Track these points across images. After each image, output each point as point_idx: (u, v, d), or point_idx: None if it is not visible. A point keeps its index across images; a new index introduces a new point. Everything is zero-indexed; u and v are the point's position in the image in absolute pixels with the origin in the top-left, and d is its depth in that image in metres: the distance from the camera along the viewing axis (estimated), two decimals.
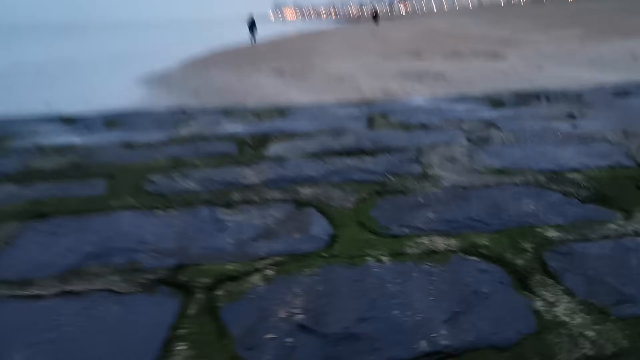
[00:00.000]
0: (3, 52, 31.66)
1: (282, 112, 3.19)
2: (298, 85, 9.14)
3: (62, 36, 73.00)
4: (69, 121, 3.12)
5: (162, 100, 7.95)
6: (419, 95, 3.62)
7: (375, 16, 46.96)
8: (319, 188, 1.79)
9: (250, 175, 1.94)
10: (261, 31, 34.55)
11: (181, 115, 3.21)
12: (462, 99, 3.38)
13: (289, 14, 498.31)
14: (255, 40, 30.75)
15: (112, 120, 3.09)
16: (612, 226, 1.41)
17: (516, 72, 9.29)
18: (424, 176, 1.86)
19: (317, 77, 10.13)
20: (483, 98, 3.43)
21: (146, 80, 11.13)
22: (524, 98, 3.35)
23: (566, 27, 24.52)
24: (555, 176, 1.83)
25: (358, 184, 1.82)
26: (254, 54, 18.82)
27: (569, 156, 2.04)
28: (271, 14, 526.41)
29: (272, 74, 11.15)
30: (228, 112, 3.28)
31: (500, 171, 1.90)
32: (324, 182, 1.85)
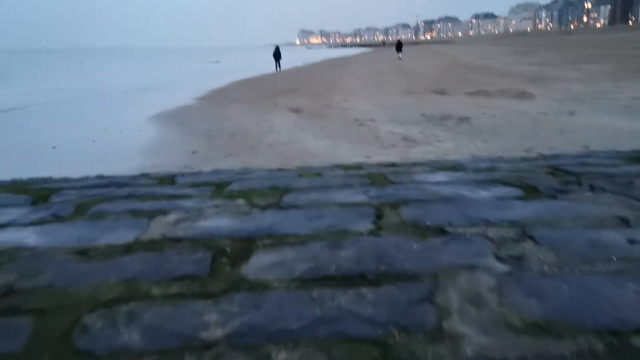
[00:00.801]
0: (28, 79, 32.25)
1: (280, 193, 2.78)
2: (315, 128, 8.76)
3: (95, 61, 74.24)
4: (43, 199, 2.76)
5: (169, 147, 7.63)
6: (440, 173, 3.19)
7: (398, 46, 46.55)
8: (298, 350, 1.35)
9: (214, 322, 1.50)
10: (286, 58, 34.99)
11: (167, 192, 2.83)
12: (488, 181, 2.92)
13: (315, 40, 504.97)
14: (279, 69, 32.09)
15: (84, 202, 2.71)
16: None
17: (546, 118, 8.79)
18: (440, 334, 1.41)
19: (336, 118, 9.75)
20: (514, 181, 2.98)
21: (160, 119, 10.89)
22: (562, 181, 2.88)
23: (596, 61, 23.93)
24: (617, 342, 1.36)
25: (350, 344, 1.37)
26: (274, 86, 18.62)
27: (631, 302, 1.57)
28: (297, 40, 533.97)
29: (290, 113, 10.83)
30: (219, 190, 2.88)
31: (542, 327, 1.44)
32: (307, 338, 1.41)
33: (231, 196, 2.78)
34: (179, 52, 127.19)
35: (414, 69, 27.30)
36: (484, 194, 2.68)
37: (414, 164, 4.40)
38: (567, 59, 28.37)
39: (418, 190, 2.80)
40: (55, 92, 18.53)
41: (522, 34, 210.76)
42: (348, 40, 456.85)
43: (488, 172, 3.15)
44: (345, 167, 4.13)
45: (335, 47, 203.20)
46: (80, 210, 2.55)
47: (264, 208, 2.53)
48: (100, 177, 3.55)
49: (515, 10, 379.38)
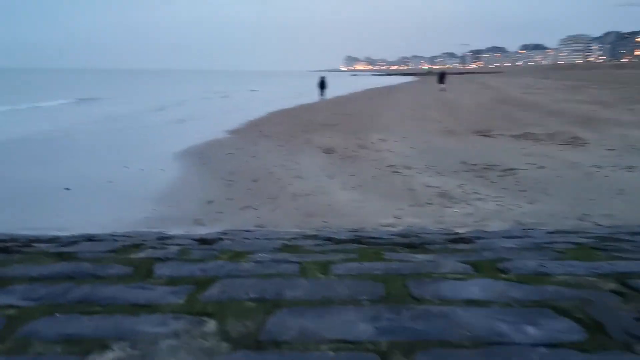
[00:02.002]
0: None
1: (265, 310, 2.19)
2: (345, 175, 8.16)
3: (147, 83, 75.31)
4: None
5: (185, 194, 7.17)
6: (474, 283, 2.53)
7: (441, 77, 45.73)
8: None
9: None
10: (330, 85, 35.08)
11: (130, 296, 2.29)
12: (537, 303, 2.26)
13: (360, 66, 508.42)
14: (323, 97, 32.88)
15: (21, 313, 2.19)
16: None
17: (601, 173, 7.94)
18: None
19: (369, 163, 9.14)
20: (570, 307, 2.30)
21: (186, 155, 10.50)
22: (637, 313, 2.18)
23: None
24: None
25: None
26: (312, 120, 18.16)
27: None
28: (343, 66, 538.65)
29: (321, 154, 10.28)
30: (193, 297, 2.32)
31: None
32: None
33: (204, 313, 2.20)
34: (224, 76, 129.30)
35: (457, 104, 26.46)
36: (531, 332, 2.00)
37: (446, 249, 3.75)
38: (621, 97, 27.01)
39: (443, 321, 2.15)
40: (98, 120, 18.45)
41: (572, 66, 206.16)
42: (393, 68, 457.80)
43: (537, 284, 2.47)
44: (362, 253, 3.52)
45: (380, 74, 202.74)
46: (9, 330, 2.03)
47: (236, 343, 1.94)
48: (80, 248, 3.05)
49: (565, 42, 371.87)
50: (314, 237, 4.45)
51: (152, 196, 6.87)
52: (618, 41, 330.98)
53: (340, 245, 3.73)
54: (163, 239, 4.28)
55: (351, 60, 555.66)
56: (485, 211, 5.86)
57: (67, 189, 7.36)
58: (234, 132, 14.92)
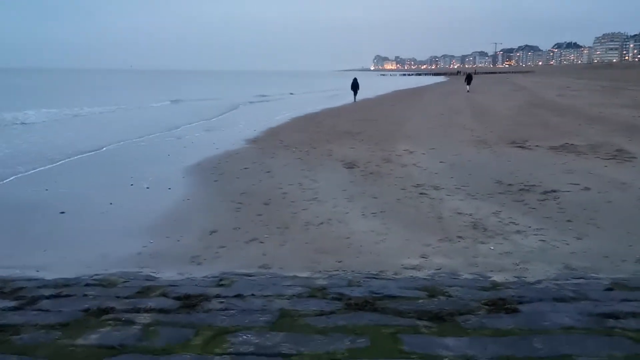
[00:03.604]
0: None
1: None
2: (366, 197, 7.40)
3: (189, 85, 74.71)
4: None
5: (188, 222, 6.53)
6: None
7: (468, 79, 44.82)
8: None
9: None
10: (361, 85, 35.17)
11: None
12: None
13: (390, 66, 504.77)
14: (355, 99, 33.78)
15: None
16: None
17: None
18: None
19: (393, 181, 8.33)
20: None
21: (198, 170, 9.84)
22: None
23: None
24: None
25: None
26: (335, 127, 17.42)
27: None
28: (372, 66, 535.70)
29: (342, 169, 9.54)
30: None
31: None
32: None
33: None
34: (263, 77, 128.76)
35: (489, 108, 25.39)
36: None
37: (484, 328, 3.04)
38: None
39: None
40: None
41: (608, 65, 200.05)
42: (423, 67, 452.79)
43: None
44: (375, 337, 2.85)
45: (409, 74, 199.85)
46: None
47: None
48: None
49: (601, 40, 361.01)
50: (323, 291, 3.73)
51: (151, 223, 6.22)
52: None
53: (349, 317, 3.03)
54: (141, 294, 3.61)
55: (380, 60, 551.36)
56: (525, 249, 5.05)
57: (62, 212, 6.80)
58: (253, 141, 14.22)
